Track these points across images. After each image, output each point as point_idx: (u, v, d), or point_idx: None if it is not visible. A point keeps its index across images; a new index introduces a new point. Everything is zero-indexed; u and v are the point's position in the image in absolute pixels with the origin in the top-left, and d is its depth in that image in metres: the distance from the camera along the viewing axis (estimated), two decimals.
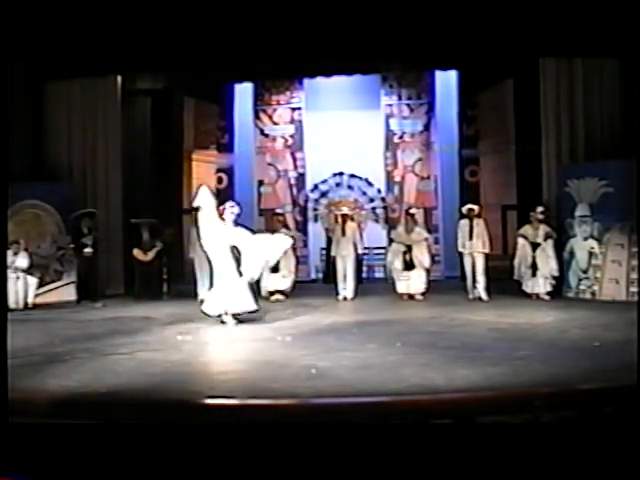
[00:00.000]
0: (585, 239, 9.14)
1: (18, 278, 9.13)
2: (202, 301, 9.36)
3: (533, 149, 10.39)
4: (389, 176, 13.76)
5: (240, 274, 7.22)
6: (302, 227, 13.68)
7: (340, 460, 2.98)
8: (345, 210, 11.56)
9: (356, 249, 9.95)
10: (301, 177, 13.88)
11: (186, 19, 8.46)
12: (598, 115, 9.93)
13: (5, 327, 4.45)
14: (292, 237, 9.98)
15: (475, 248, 9.25)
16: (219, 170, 13.48)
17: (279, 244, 7.59)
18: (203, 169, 13.36)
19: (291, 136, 13.86)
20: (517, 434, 3.19)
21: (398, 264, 9.46)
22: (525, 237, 9.24)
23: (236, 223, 7.44)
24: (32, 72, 10.48)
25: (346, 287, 9.75)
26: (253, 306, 7.30)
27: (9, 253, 9.00)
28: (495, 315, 7.55)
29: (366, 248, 11.40)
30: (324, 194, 13.91)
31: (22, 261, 9.24)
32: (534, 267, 9.08)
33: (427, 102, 13.63)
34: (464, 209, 9.63)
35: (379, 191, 13.80)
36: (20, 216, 9.93)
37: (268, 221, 11.92)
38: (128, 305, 9.44)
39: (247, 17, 8.48)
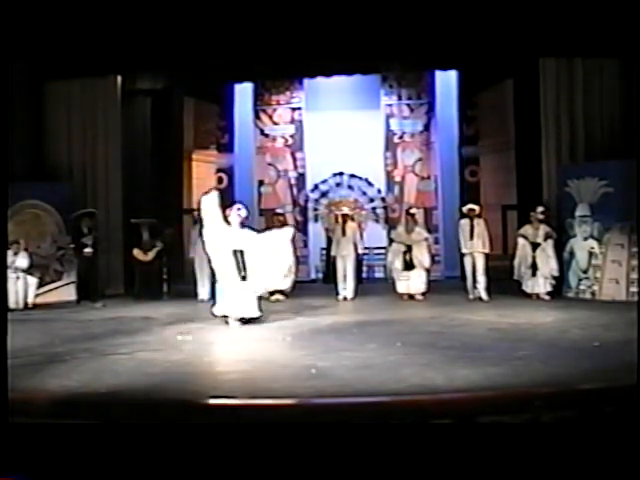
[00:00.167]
0: (585, 239, 9.14)
1: (18, 278, 9.13)
2: (202, 300, 9.44)
3: (533, 149, 10.39)
4: (389, 176, 13.77)
5: (243, 278, 7.20)
6: (302, 227, 13.69)
7: (340, 460, 2.98)
8: (345, 210, 11.57)
9: (356, 249, 9.95)
10: (301, 177, 13.89)
11: (186, 19, 8.45)
12: (598, 115, 9.93)
13: (5, 327, 4.46)
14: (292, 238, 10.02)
15: (475, 248, 9.25)
16: (219, 170, 13.49)
17: (282, 245, 7.56)
18: (203, 169, 13.37)
19: (291, 136, 13.87)
20: (517, 434, 3.19)
21: (398, 264, 9.46)
22: (525, 237, 9.24)
23: (242, 225, 7.43)
24: (32, 72, 10.48)
25: (346, 287, 9.75)
26: (256, 313, 7.28)
27: (9, 253, 9.01)
28: (495, 315, 7.55)
29: (366, 248, 11.41)
30: (324, 194, 13.92)
31: (22, 261, 9.24)
32: (534, 267, 9.08)
33: (427, 102, 13.65)
34: (465, 209, 9.63)
35: (379, 191, 13.81)
36: (20, 216, 9.93)
37: (268, 221, 11.91)
38: (128, 305, 9.44)
39: (247, 17, 8.48)
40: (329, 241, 11.27)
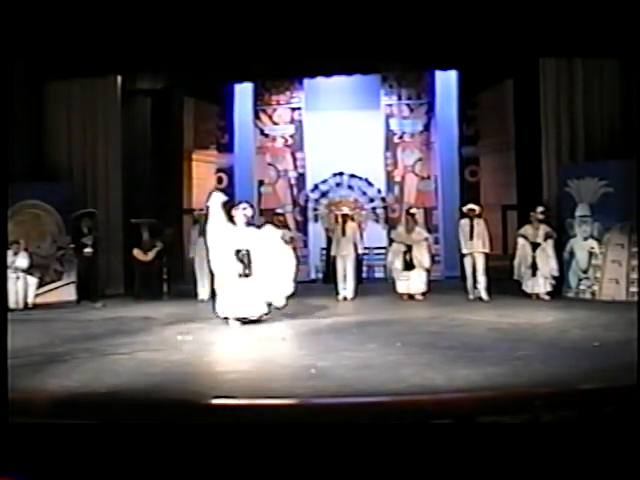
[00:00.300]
0: (585, 239, 9.13)
1: (18, 278, 9.13)
2: (202, 300, 9.43)
3: (533, 149, 10.39)
4: (389, 176, 13.77)
5: (247, 276, 7.20)
6: (302, 227, 13.70)
7: (340, 460, 2.98)
8: (345, 210, 11.56)
9: (356, 249, 9.95)
10: (301, 177, 13.89)
11: (186, 19, 8.46)
12: (598, 115, 9.93)
13: (5, 327, 4.46)
14: (291, 238, 10.02)
15: (475, 248, 9.24)
16: (219, 170, 13.49)
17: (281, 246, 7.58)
18: (203, 169, 13.37)
19: (291, 136, 13.88)
20: (517, 434, 3.19)
21: (398, 264, 9.46)
22: (525, 237, 9.24)
23: (248, 224, 7.43)
24: (32, 72, 10.48)
25: (346, 287, 9.75)
26: (257, 313, 7.27)
27: (9, 253, 9.01)
28: (495, 315, 7.55)
29: (366, 248, 11.41)
30: (324, 194, 13.92)
31: (22, 261, 9.24)
32: (534, 267, 9.08)
33: (427, 102, 13.65)
34: (465, 209, 9.63)
35: (379, 191, 13.81)
36: (20, 216, 9.94)
37: (268, 221, 11.91)
38: (128, 305, 9.44)
39: (247, 17, 8.48)
40: (329, 241, 11.27)
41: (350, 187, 13.91)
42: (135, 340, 6.24)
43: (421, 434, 3.19)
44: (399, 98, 13.75)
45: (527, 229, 9.30)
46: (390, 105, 13.73)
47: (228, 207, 7.33)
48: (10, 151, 8.01)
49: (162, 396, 4.12)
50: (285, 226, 10.44)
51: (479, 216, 9.42)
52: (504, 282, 9.46)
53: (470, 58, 10.51)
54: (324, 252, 12.46)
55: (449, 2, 8.43)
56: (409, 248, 9.47)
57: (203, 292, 9.70)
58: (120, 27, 8.55)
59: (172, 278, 10.56)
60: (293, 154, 13.88)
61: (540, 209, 9.22)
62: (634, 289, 8.59)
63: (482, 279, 9.18)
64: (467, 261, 9.36)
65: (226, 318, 7.23)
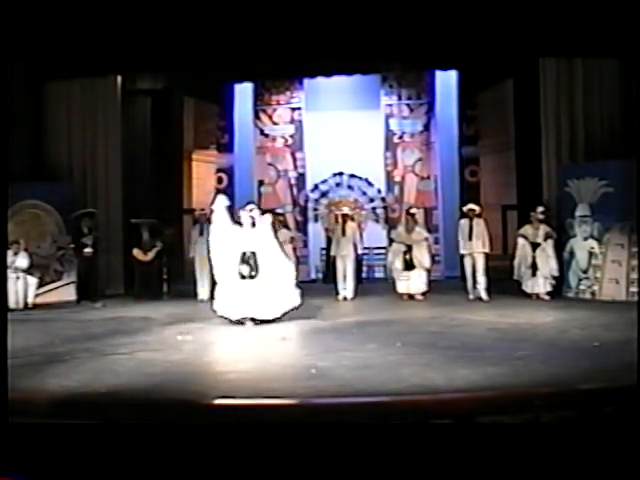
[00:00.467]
0: (585, 239, 9.13)
1: (18, 278, 9.13)
2: (202, 300, 9.43)
3: (533, 149, 10.39)
4: (389, 176, 13.77)
5: (252, 277, 7.21)
6: (302, 227, 13.70)
7: (340, 460, 2.98)
8: (345, 210, 11.55)
9: (356, 249, 9.95)
10: (301, 177, 13.89)
11: (186, 19, 8.46)
12: (598, 115, 9.93)
13: (5, 327, 4.46)
14: (292, 238, 10.04)
15: (475, 248, 9.24)
16: (219, 170, 13.49)
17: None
18: (203, 169, 13.37)
19: (291, 136, 13.88)
20: (517, 434, 3.19)
21: (398, 264, 9.46)
22: (525, 237, 9.24)
23: (254, 225, 7.43)
24: (32, 72, 10.48)
25: (346, 287, 9.75)
26: (270, 315, 7.25)
27: (9, 253, 9.01)
28: (495, 315, 7.55)
29: (366, 248, 11.42)
30: (324, 194, 13.92)
31: (22, 261, 9.24)
32: (534, 267, 9.07)
33: (427, 102, 13.65)
34: (465, 209, 9.63)
35: (379, 191, 13.81)
36: (20, 216, 9.94)
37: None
38: (128, 305, 9.44)
39: (247, 17, 8.48)
40: (329, 241, 11.27)
41: (350, 187, 13.91)
42: (135, 340, 6.24)
43: (421, 434, 3.19)
44: (399, 98, 13.75)
45: (527, 229, 9.30)
46: (390, 105, 13.73)
47: (233, 210, 7.38)
48: (10, 151, 8.00)
49: (162, 396, 4.12)
50: (285, 226, 10.45)
51: (479, 216, 9.42)
52: (504, 282, 9.46)
53: (470, 58, 10.51)
54: (324, 252, 12.45)
55: (449, 2, 8.42)
56: (409, 248, 9.47)
57: (203, 292, 9.70)
58: (120, 27, 8.54)
59: (172, 278, 10.56)
60: (293, 154, 13.88)
61: (540, 209, 9.22)
62: (634, 289, 8.59)
63: (482, 279, 9.17)
64: (467, 261, 9.36)
65: (227, 317, 7.22)
